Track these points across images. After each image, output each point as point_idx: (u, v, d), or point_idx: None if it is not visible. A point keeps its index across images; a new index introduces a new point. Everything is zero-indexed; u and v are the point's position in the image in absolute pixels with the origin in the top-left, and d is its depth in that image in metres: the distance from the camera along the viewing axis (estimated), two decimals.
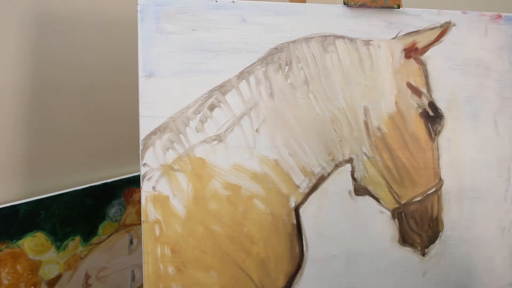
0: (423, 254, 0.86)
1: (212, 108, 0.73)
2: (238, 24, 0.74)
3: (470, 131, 0.87)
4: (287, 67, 0.76)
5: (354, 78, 0.80)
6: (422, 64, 0.83)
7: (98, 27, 0.98)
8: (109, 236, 1.01)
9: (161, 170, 0.72)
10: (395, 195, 0.82)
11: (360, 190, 0.81)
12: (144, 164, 0.71)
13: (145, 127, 0.71)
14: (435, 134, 0.85)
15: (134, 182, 1.05)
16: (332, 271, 0.81)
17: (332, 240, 0.80)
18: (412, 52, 0.83)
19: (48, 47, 0.91)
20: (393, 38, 0.82)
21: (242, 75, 0.74)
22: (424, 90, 0.84)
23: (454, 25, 0.84)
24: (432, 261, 0.86)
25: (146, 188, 0.71)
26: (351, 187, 0.80)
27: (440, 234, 0.86)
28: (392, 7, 0.81)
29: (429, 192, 0.84)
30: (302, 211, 0.78)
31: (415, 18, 0.82)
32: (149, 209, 0.71)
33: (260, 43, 0.75)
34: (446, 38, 0.84)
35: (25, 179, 0.92)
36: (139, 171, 0.71)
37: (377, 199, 0.82)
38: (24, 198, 0.88)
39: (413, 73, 0.83)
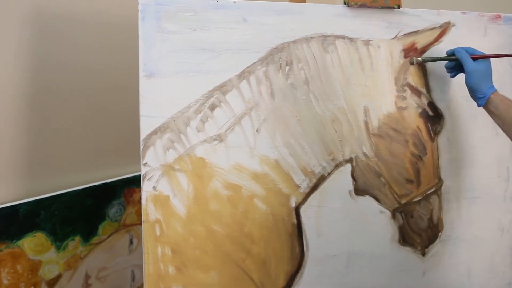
0: (423, 254, 0.86)
1: (212, 107, 0.73)
2: (239, 24, 0.74)
3: (469, 131, 0.87)
4: (287, 67, 0.76)
5: (354, 78, 0.80)
6: (422, 64, 0.84)
7: (98, 27, 0.98)
8: (109, 236, 1.01)
9: (161, 170, 0.72)
10: (395, 195, 0.82)
11: (360, 190, 0.81)
12: (145, 164, 0.71)
13: (145, 127, 0.71)
14: (435, 134, 0.85)
15: (134, 182, 1.05)
16: (332, 271, 0.81)
17: (332, 240, 0.80)
18: (411, 52, 0.83)
19: (48, 47, 0.91)
20: (393, 38, 0.82)
21: (243, 75, 0.74)
22: (423, 90, 0.84)
23: (453, 25, 0.85)
24: (432, 260, 0.86)
25: (146, 188, 0.71)
26: (351, 187, 0.81)
27: (439, 234, 0.87)
28: (392, 7, 0.81)
29: (428, 192, 0.84)
30: (302, 211, 0.78)
31: (415, 18, 0.82)
32: (149, 209, 0.71)
33: (261, 43, 0.75)
34: (445, 38, 0.84)
35: (25, 179, 0.91)
36: (139, 171, 0.71)
37: (377, 199, 0.82)
38: (24, 198, 0.88)
39: (413, 73, 0.83)
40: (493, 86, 0.75)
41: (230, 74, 0.74)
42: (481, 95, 0.74)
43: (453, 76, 0.79)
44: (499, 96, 0.74)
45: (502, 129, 0.74)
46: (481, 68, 0.75)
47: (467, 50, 0.77)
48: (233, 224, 0.75)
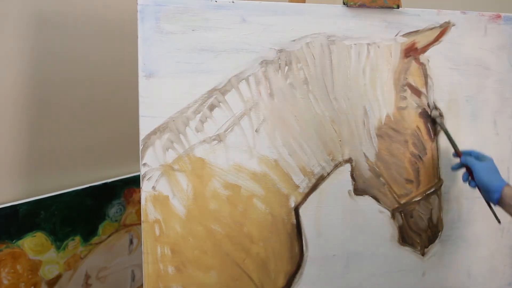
0: (423, 254, 0.86)
1: (212, 108, 0.73)
2: (238, 24, 0.74)
3: (469, 131, 0.87)
4: (286, 67, 0.76)
5: (353, 78, 0.80)
6: (422, 64, 0.83)
7: (98, 27, 0.98)
8: (109, 236, 1.01)
9: (161, 170, 0.72)
10: (394, 195, 0.82)
11: (359, 190, 0.81)
12: (144, 164, 0.71)
13: (145, 127, 0.71)
14: (435, 134, 0.85)
15: (134, 182, 1.05)
16: (331, 270, 0.81)
17: (331, 239, 0.80)
18: (411, 52, 0.83)
19: (48, 48, 0.91)
20: (393, 38, 0.82)
21: (242, 75, 0.74)
22: (423, 90, 0.84)
23: (453, 25, 0.84)
24: (431, 260, 0.86)
25: (146, 188, 0.71)
26: (351, 187, 0.81)
27: (439, 234, 0.86)
28: (392, 7, 0.81)
29: (428, 192, 0.84)
30: (302, 210, 0.78)
31: (414, 18, 0.82)
32: (149, 209, 0.71)
33: (260, 43, 0.75)
34: (445, 38, 0.84)
35: (25, 179, 0.92)
36: (139, 171, 0.71)
37: (376, 199, 0.82)
38: (24, 198, 0.88)
39: (413, 73, 0.83)
40: (503, 180, 0.77)
41: (229, 74, 0.74)
42: (495, 189, 0.75)
43: (473, 186, 0.80)
44: None
45: None
46: (488, 165, 0.79)
47: (471, 153, 0.82)
48: (233, 224, 0.75)
